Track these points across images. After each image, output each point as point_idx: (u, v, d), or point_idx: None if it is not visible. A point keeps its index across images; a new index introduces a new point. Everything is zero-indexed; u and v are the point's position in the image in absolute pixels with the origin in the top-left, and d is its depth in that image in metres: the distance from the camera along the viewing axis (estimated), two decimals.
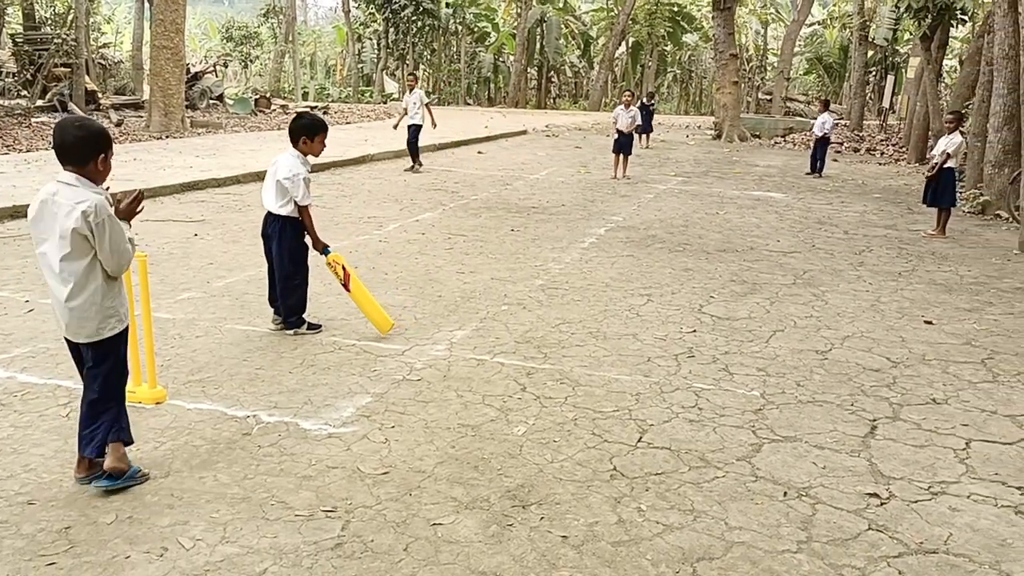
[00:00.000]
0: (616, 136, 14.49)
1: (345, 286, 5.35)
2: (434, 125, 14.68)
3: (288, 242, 5.32)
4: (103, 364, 3.33)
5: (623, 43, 44.69)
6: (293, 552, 2.95)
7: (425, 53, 45.81)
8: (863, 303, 6.68)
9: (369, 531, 3.11)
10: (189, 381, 4.52)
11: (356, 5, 44.02)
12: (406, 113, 14.36)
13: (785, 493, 3.52)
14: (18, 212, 8.94)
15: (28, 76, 24.24)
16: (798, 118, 28.93)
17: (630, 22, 41.51)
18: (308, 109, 13.31)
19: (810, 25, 43.18)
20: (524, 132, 23.72)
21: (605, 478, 3.59)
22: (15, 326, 5.34)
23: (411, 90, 14.55)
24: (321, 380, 4.61)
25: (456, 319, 5.86)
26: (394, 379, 4.68)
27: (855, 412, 4.43)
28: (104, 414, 3.33)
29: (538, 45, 45.51)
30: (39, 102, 22.11)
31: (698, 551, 3.06)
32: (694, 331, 5.75)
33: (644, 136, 20.58)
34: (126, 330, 3.44)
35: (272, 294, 5.47)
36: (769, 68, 47.47)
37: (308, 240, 5.41)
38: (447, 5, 43.86)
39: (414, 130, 14.25)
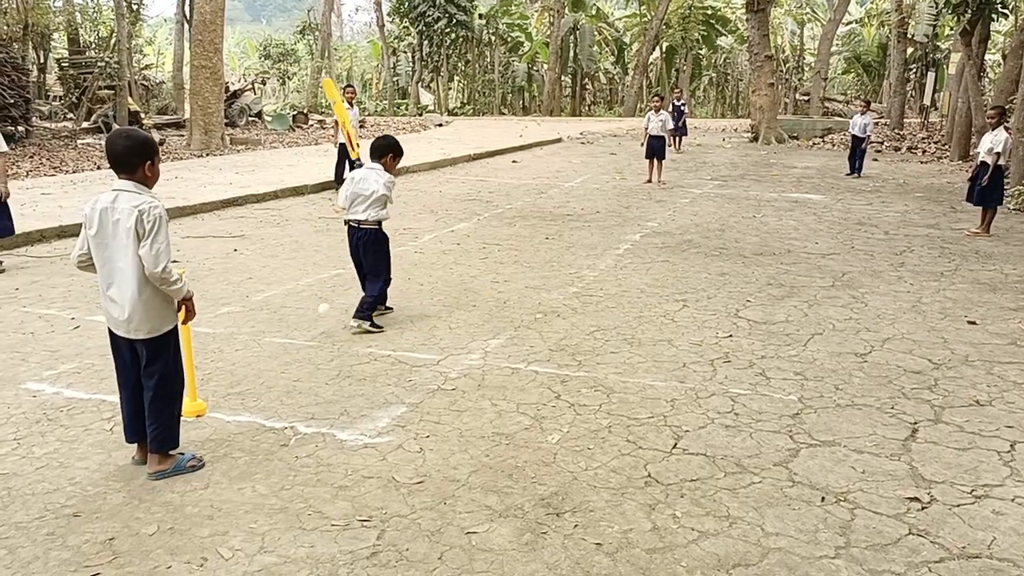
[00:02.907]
0: (648, 141, 14.44)
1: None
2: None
3: (383, 245, 5.94)
4: (158, 361, 3.55)
5: (657, 48, 44.55)
6: (330, 561, 2.99)
7: (459, 64, 46.13)
8: (904, 304, 6.57)
9: (404, 540, 3.13)
10: (229, 394, 4.60)
11: (391, 19, 44.48)
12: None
13: (823, 498, 3.47)
14: (64, 232, 9.19)
15: (74, 99, 24.92)
16: (836, 118, 28.54)
17: (663, 27, 41.36)
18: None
19: (847, 24, 42.62)
20: (559, 140, 23.74)
21: (640, 485, 3.58)
22: (62, 343, 5.49)
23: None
24: (357, 391, 4.66)
25: (491, 328, 5.89)
26: (429, 389, 4.71)
27: (895, 415, 4.35)
28: (160, 414, 3.57)
29: (572, 53, 45.54)
30: (84, 124, 22.70)
31: (734, 558, 3.04)
32: (730, 336, 5.70)
33: (677, 139, 20.45)
34: (175, 329, 3.64)
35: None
36: (806, 68, 46.91)
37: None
38: (480, 16, 44.12)
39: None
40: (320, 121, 29.86)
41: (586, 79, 50.44)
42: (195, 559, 2.99)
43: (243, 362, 5.14)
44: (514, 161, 18.30)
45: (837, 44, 41.27)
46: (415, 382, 4.82)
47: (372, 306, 5.87)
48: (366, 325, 5.74)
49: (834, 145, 22.56)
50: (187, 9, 26.15)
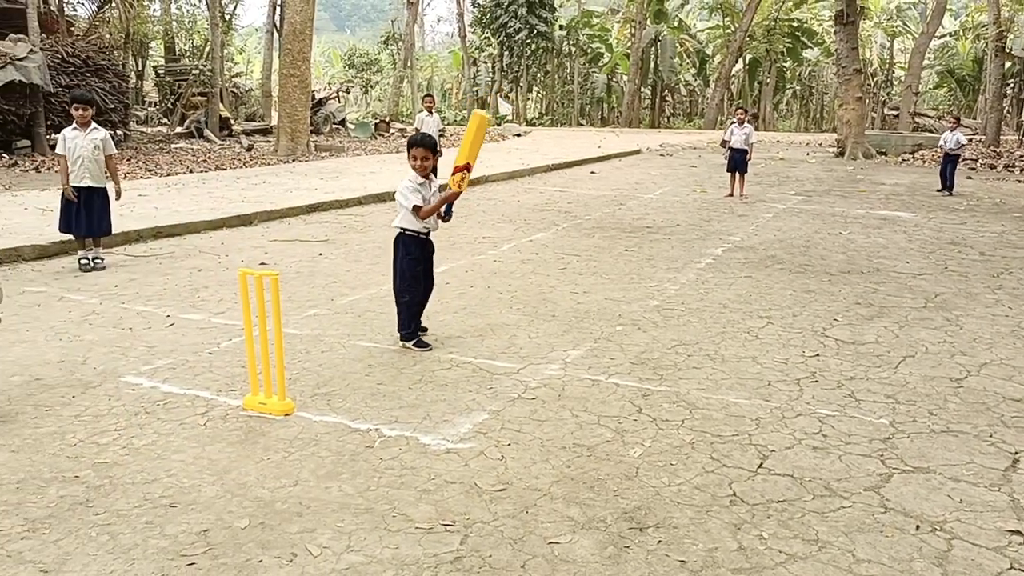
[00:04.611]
0: (730, 154, 14.23)
1: (467, 172, 5.41)
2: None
3: (403, 257, 5.57)
4: None
5: (740, 60, 43.91)
6: (414, 564, 3.02)
7: (538, 75, 46.34)
8: (1002, 328, 6.30)
9: (487, 546, 3.15)
10: (315, 394, 4.70)
11: (472, 30, 45.03)
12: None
13: (918, 526, 3.35)
14: (160, 232, 9.57)
15: (169, 105, 25.95)
16: (927, 134, 27.61)
17: (747, 39, 40.76)
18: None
19: (940, 37, 41.23)
20: (637, 152, 23.60)
21: (724, 503, 3.52)
22: (158, 339, 5.70)
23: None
24: (439, 396, 4.72)
25: (570, 339, 5.88)
26: (509, 397, 4.73)
27: (994, 444, 4.17)
28: None
29: (652, 64, 45.28)
30: (178, 129, 23.60)
31: None
32: (817, 355, 5.56)
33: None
34: None
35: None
36: (896, 82, 45.57)
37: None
38: (561, 27, 44.27)
39: None
40: (401, 129, 30.38)
41: (666, 91, 50.08)
42: (285, 554, 3.07)
43: (329, 364, 5.26)
44: (592, 172, 18.27)
45: (929, 58, 39.98)
46: (496, 390, 4.85)
47: (401, 324, 5.63)
48: (406, 345, 5.57)
49: (924, 162, 21.84)
50: (277, 19, 27.00)
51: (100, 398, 4.59)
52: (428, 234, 5.59)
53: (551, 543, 3.19)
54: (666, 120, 49.79)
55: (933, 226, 11.34)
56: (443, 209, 5.54)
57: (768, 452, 4.03)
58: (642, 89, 45.90)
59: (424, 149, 5.44)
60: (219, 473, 3.71)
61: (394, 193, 5.65)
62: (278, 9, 26.53)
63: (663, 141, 28.06)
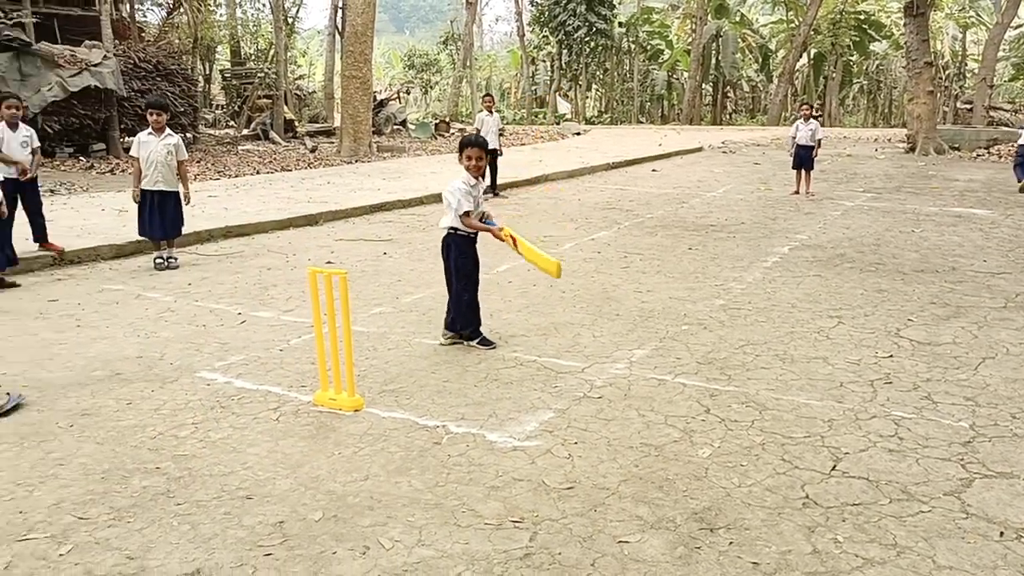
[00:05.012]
0: (795, 151, 13.95)
1: (517, 251, 5.44)
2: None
3: (456, 256, 5.60)
4: None
5: (804, 55, 43.00)
6: (484, 559, 3.04)
7: (598, 73, 46.13)
8: None
9: (556, 544, 3.15)
10: (383, 391, 4.77)
11: (530, 29, 45.06)
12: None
13: (1002, 533, 3.24)
14: (230, 232, 9.81)
15: (235, 107, 26.57)
16: (1004, 128, 26.63)
17: (812, 33, 39.90)
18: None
19: (1016, 27, 39.74)
20: (699, 149, 23.31)
21: (797, 506, 3.46)
22: (230, 336, 5.85)
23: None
24: (505, 394, 4.73)
25: (635, 338, 5.84)
26: (575, 396, 4.72)
27: None
28: None
29: (714, 60, 44.69)
30: (244, 131, 24.15)
31: None
32: (891, 356, 5.42)
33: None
34: None
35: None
36: (969, 75, 44.10)
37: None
38: (620, 24, 43.98)
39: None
40: (461, 129, 30.57)
41: (728, 87, 49.35)
42: (358, 547, 3.12)
43: (395, 361, 5.32)
44: (654, 170, 18.11)
45: (1004, 49, 38.60)
46: (561, 388, 4.85)
47: (451, 322, 5.65)
48: (470, 343, 5.60)
49: (1000, 157, 21.09)
50: (339, 22, 27.41)
51: (177, 393, 4.73)
52: (476, 234, 5.62)
53: (620, 542, 3.17)
54: (728, 117, 49.04)
55: (1011, 224, 10.94)
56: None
57: (842, 454, 3.94)
58: (703, 86, 45.31)
59: (478, 149, 5.48)
60: (292, 467, 3.79)
61: None
62: (340, 12, 26.94)
63: (725, 138, 27.65)
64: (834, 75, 45.47)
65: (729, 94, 50.59)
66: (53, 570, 2.97)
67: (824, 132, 16.07)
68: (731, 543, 3.17)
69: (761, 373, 5.09)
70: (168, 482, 3.63)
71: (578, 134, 30.12)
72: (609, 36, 42.09)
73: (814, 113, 20.48)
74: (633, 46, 46.10)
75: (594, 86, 48.81)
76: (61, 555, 3.06)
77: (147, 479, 3.66)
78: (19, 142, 7.73)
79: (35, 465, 3.81)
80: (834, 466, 3.82)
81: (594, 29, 40.31)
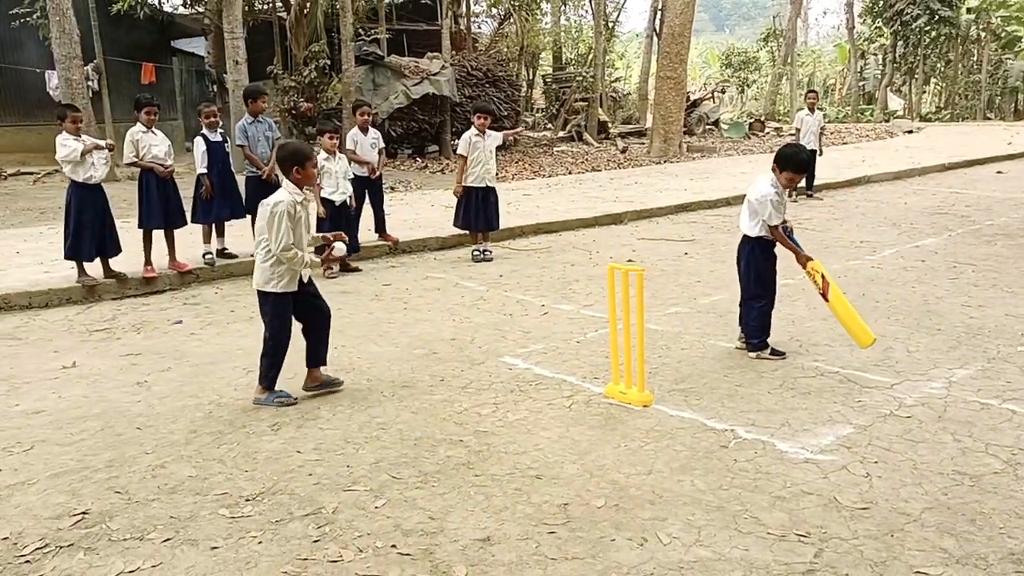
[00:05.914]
0: None
1: (823, 295, 5.14)
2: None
3: (756, 262, 5.38)
4: (262, 310, 4.71)
5: None
6: (764, 569, 2.97)
7: (938, 65, 41.74)
8: None
9: (844, 564, 2.98)
10: (673, 390, 4.80)
11: (862, 20, 41.93)
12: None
13: None
14: (540, 229, 10.39)
15: (553, 111, 27.88)
16: None
17: None
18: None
19: None
20: None
21: None
22: (533, 325, 6.22)
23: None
24: (800, 404, 4.53)
25: (958, 356, 5.28)
26: (880, 412, 4.39)
27: None
28: (262, 357, 4.70)
29: None
30: (560, 133, 25.27)
31: None
32: None
33: None
34: (277, 295, 4.60)
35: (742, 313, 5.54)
36: None
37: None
38: (968, 11, 39.35)
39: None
40: (776, 129, 29.41)
41: None
42: (636, 537, 3.20)
43: (687, 361, 5.32)
44: (999, 172, 16.05)
45: None
46: (864, 403, 4.53)
47: (757, 336, 5.38)
48: (764, 353, 5.33)
49: None
50: (657, 23, 27.63)
51: (483, 374, 5.14)
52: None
53: (918, 572, 2.92)
54: None
55: None
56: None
57: None
58: None
59: (802, 174, 5.40)
60: (580, 453, 3.96)
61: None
62: (658, 14, 27.15)
63: None
64: None
65: None
66: (369, 519, 3.40)
67: None
68: None
69: None
70: (469, 454, 3.98)
71: (910, 132, 27.54)
72: (954, 24, 37.82)
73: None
74: (983, 34, 41.01)
75: (932, 79, 44.20)
76: (376, 507, 3.49)
77: (451, 449, 4.04)
78: (369, 143, 8.83)
79: (362, 427, 4.37)
80: None
81: (937, 17, 36.49)
